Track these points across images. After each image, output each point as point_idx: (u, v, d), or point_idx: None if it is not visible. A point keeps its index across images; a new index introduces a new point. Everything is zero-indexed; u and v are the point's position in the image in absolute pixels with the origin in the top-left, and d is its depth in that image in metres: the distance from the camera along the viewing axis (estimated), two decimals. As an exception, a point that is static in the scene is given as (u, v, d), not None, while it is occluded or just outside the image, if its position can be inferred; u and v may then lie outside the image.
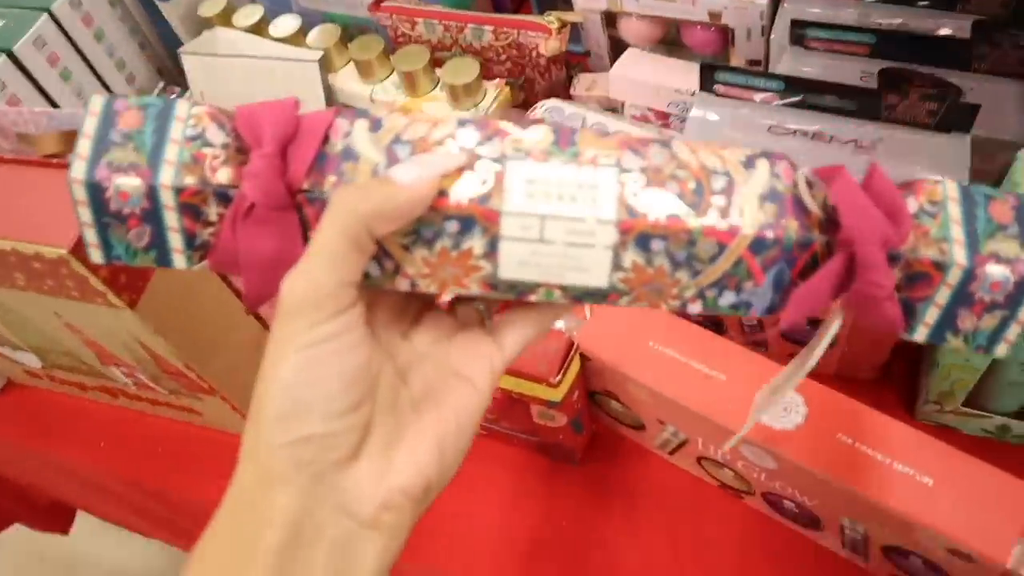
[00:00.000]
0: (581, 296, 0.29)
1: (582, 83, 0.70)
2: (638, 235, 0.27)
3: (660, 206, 0.28)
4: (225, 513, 0.26)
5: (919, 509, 0.41)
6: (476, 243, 0.28)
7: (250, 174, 0.28)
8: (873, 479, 0.43)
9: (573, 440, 0.56)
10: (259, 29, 0.72)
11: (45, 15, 0.67)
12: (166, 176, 0.29)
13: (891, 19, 0.53)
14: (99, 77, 0.74)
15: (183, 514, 0.69)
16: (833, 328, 0.30)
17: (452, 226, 0.28)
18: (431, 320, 0.32)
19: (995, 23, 0.49)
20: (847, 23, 0.53)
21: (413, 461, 0.28)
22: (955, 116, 0.47)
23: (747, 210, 0.28)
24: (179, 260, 0.30)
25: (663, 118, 0.63)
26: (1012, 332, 0.28)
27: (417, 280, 0.29)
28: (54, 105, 0.71)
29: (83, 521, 0.93)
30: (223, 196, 0.29)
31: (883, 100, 0.49)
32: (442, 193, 0.28)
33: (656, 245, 0.27)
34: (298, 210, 0.29)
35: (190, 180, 0.29)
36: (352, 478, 0.26)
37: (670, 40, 0.65)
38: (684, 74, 0.61)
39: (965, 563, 0.41)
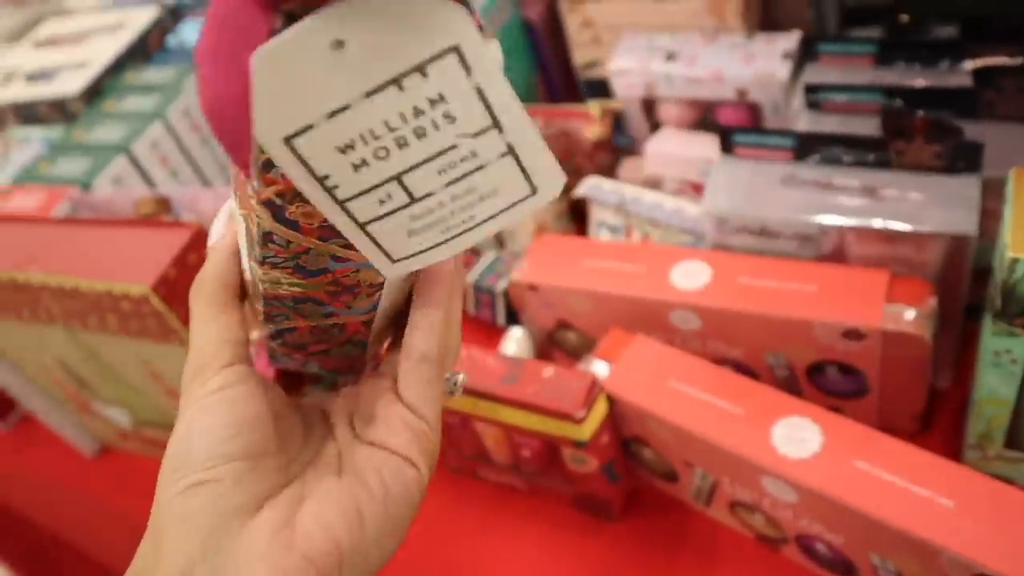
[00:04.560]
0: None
1: (627, 166, 0.74)
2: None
3: None
4: None
5: (941, 533, 0.40)
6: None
7: None
8: (892, 504, 0.42)
9: (608, 491, 0.57)
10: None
11: (160, 121, 0.78)
12: None
13: (901, 79, 0.56)
14: (202, 176, 0.85)
15: None
16: None
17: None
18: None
19: (997, 70, 0.51)
20: (857, 83, 0.57)
21: (321, 524, 0.25)
22: (961, 156, 0.49)
23: None
24: None
25: (698, 188, 0.67)
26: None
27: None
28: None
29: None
30: None
31: (890, 147, 0.51)
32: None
33: None
34: None
35: None
36: (247, 534, 0.24)
37: (706, 122, 0.69)
38: (712, 146, 0.65)
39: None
